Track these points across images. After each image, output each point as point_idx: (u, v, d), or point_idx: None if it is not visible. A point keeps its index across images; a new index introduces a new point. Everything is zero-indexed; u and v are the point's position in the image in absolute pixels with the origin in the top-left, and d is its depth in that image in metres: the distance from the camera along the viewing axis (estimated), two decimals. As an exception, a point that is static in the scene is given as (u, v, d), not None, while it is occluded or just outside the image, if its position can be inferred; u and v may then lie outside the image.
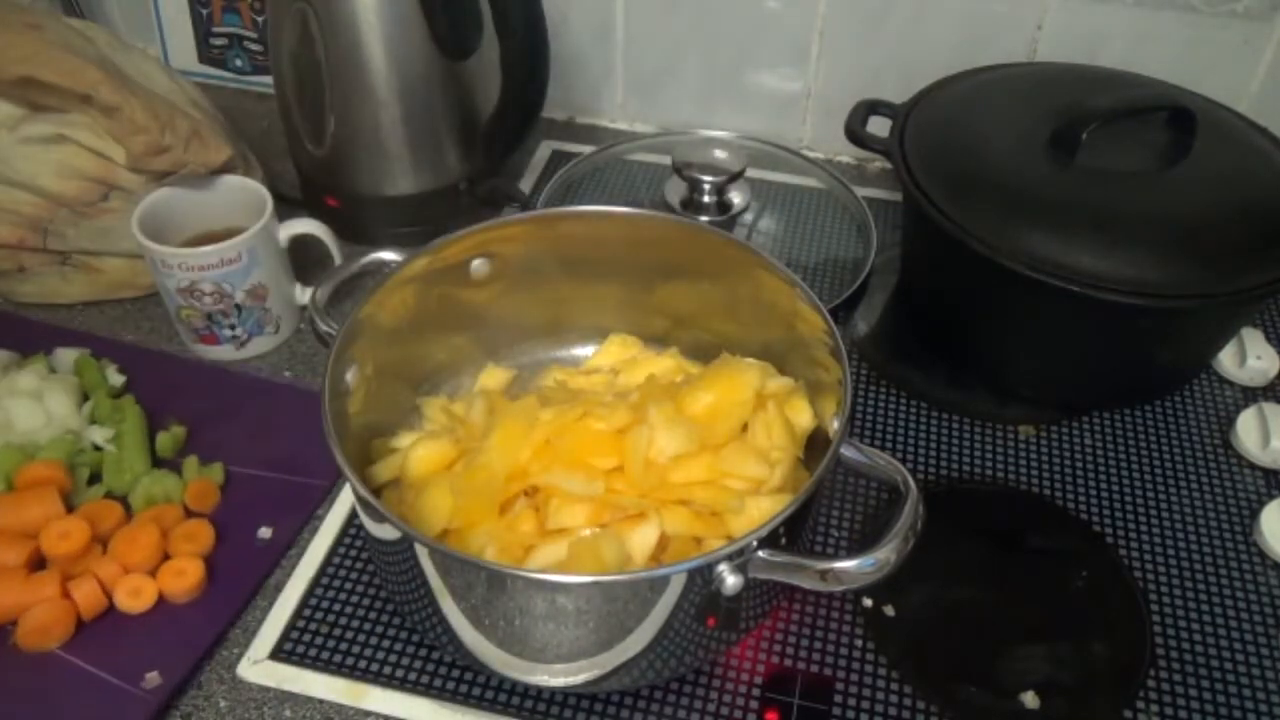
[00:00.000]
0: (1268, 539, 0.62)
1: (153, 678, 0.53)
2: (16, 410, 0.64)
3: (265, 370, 0.73)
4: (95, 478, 0.63)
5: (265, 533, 0.61)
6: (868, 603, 0.59)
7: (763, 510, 0.52)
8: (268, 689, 0.55)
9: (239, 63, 1.02)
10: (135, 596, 0.56)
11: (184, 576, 0.57)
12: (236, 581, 0.58)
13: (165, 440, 0.65)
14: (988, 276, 0.63)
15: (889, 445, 0.69)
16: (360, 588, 0.59)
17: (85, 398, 0.68)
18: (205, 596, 0.57)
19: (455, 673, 0.55)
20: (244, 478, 0.64)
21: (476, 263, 0.63)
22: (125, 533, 0.59)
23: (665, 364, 0.65)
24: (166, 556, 0.58)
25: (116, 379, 0.69)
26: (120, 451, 0.64)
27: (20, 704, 0.52)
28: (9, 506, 0.59)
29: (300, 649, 0.56)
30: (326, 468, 0.63)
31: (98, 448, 0.64)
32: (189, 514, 0.61)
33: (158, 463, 0.65)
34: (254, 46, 1.01)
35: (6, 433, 0.64)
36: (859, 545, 0.61)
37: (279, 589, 0.59)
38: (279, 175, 0.88)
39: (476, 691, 0.55)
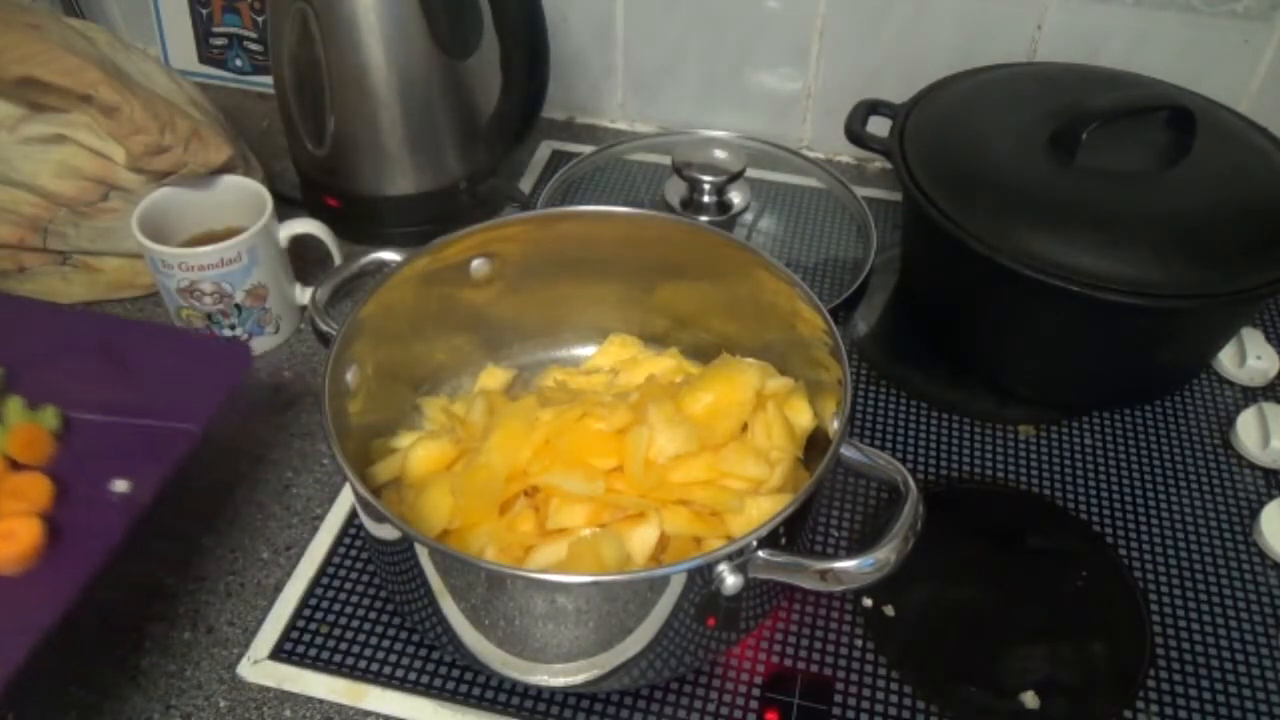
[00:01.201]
0: (1268, 539, 0.62)
1: None
2: None
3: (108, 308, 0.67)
4: None
5: (120, 485, 0.52)
6: (868, 603, 0.59)
7: (763, 510, 0.52)
8: (268, 689, 0.55)
9: (239, 63, 1.02)
10: None
11: (13, 540, 0.47)
12: (86, 545, 0.48)
13: None
14: (988, 276, 0.63)
15: (889, 445, 0.69)
16: (360, 588, 0.59)
17: None
18: (46, 565, 0.48)
19: (455, 673, 0.55)
20: (86, 425, 0.54)
21: (476, 263, 0.63)
22: None
23: (665, 364, 0.65)
24: None
25: None
26: None
27: None
28: None
29: (300, 649, 0.56)
30: (192, 409, 0.55)
31: None
32: (15, 468, 0.52)
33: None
34: (254, 46, 1.01)
35: None
36: (859, 545, 0.61)
37: (279, 589, 0.59)
38: (279, 175, 0.88)
39: (476, 691, 0.55)
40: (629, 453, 0.54)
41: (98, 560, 0.48)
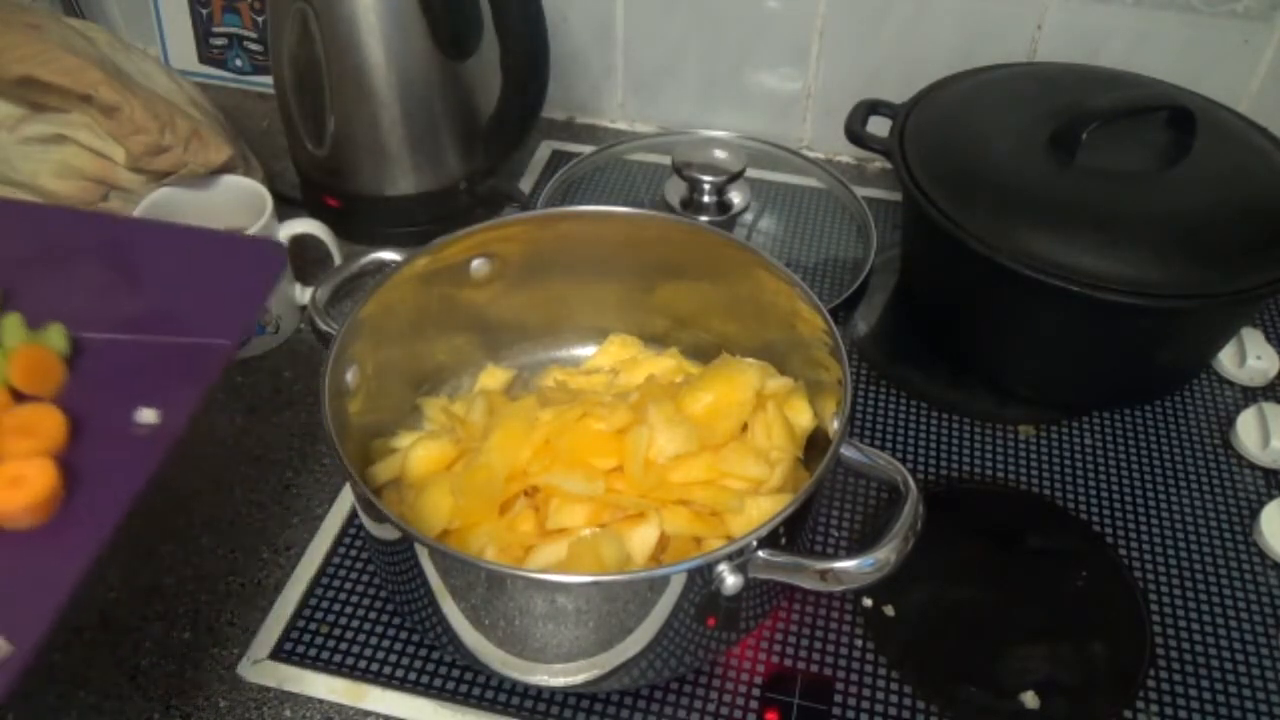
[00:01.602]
0: (1268, 539, 0.62)
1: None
2: None
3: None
4: None
5: (147, 415, 0.44)
6: (868, 603, 0.59)
7: (762, 510, 0.52)
8: (268, 689, 0.55)
9: (239, 63, 1.02)
10: None
11: (23, 487, 0.39)
12: (110, 490, 0.40)
13: None
14: (988, 276, 0.63)
15: (889, 445, 0.69)
16: (360, 588, 0.59)
17: None
18: (65, 515, 0.40)
19: (455, 673, 0.55)
20: (100, 345, 0.46)
21: (476, 263, 0.63)
22: None
23: (665, 364, 0.65)
24: None
25: None
26: None
27: None
28: None
29: (300, 649, 0.56)
30: (223, 320, 0.47)
31: None
32: (19, 399, 0.44)
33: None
34: (254, 46, 1.01)
35: None
36: (859, 545, 0.61)
37: (279, 589, 0.59)
38: (279, 175, 0.88)
39: (476, 691, 0.55)
40: (629, 453, 0.54)
41: (123, 508, 0.40)
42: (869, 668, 0.56)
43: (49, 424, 0.42)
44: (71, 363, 0.45)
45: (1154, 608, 0.59)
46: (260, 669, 0.55)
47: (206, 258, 0.42)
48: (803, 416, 0.59)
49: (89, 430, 0.43)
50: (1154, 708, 0.55)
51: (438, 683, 0.55)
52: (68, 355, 0.45)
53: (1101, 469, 0.67)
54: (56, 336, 0.45)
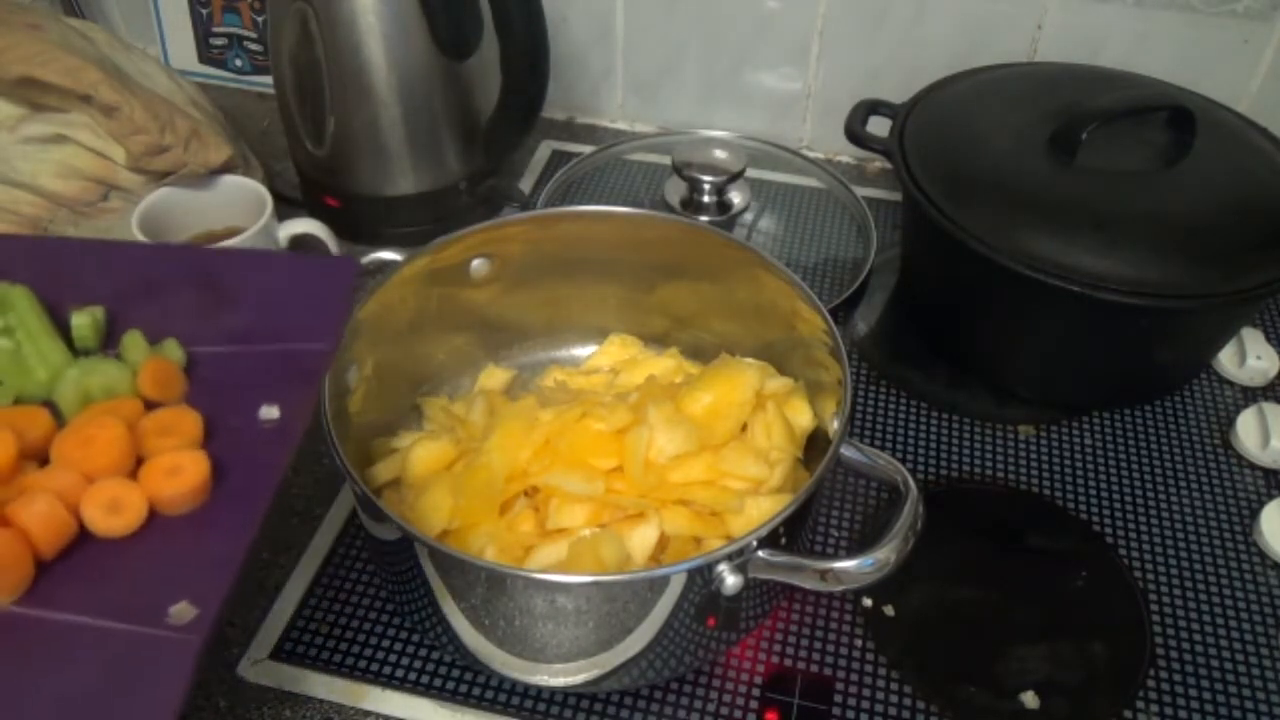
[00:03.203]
0: (1268, 539, 0.62)
1: (182, 610, 0.38)
2: None
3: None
4: None
5: (270, 412, 0.46)
6: (868, 603, 0.59)
7: (762, 510, 0.52)
8: (268, 689, 0.55)
9: (239, 63, 1.02)
10: (115, 511, 0.40)
11: (181, 475, 0.41)
12: (253, 476, 0.44)
13: (83, 322, 0.47)
14: (988, 276, 0.63)
15: (889, 445, 0.69)
16: (360, 588, 0.59)
17: None
18: (216, 501, 0.42)
19: (455, 673, 0.56)
20: (210, 357, 0.48)
21: (476, 263, 0.63)
22: (72, 433, 0.42)
23: (665, 364, 0.65)
24: (139, 462, 0.42)
25: None
26: (20, 345, 0.46)
27: None
28: None
29: (300, 649, 0.56)
30: (317, 328, 0.50)
31: None
32: (151, 408, 0.46)
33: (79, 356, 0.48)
34: (254, 46, 1.01)
35: None
36: (859, 545, 0.61)
37: (279, 589, 0.59)
38: (279, 175, 0.88)
39: (476, 691, 0.55)
40: (629, 453, 0.54)
41: (271, 490, 0.43)
42: (869, 668, 0.56)
43: (186, 423, 0.44)
44: (188, 373, 0.48)
45: (1154, 608, 0.59)
46: (260, 669, 0.55)
47: (284, 276, 0.46)
48: (802, 416, 0.59)
49: (220, 428, 0.45)
50: (1154, 708, 0.55)
51: (438, 683, 0.55)
52: (184, 367, 0.48)
53: (1101, 469, 0.67)
54: (173, 349, 0.48)
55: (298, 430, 0.45)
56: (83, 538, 0.40)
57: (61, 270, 0.51)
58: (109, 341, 0.48)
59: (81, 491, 0.40)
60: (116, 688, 0.36)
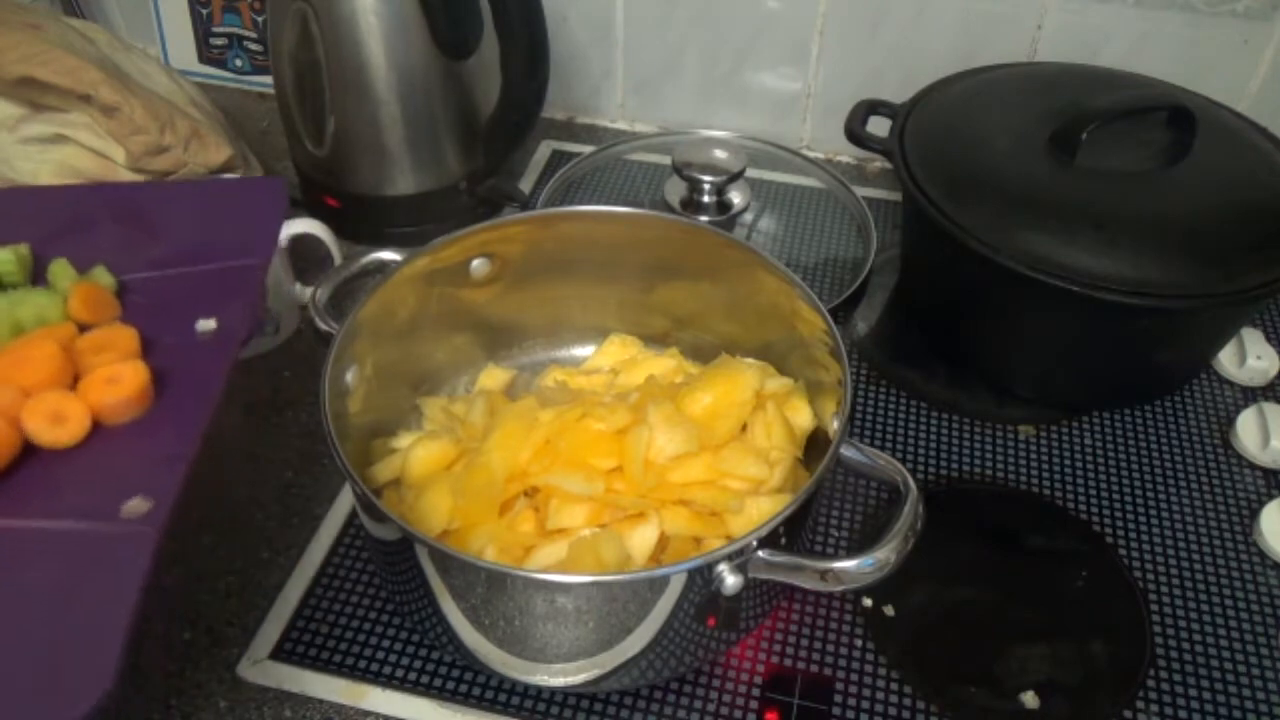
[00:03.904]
0: (1268, 539, 0.62)
1: (135, 505, 0.39)
2: None
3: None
4: None
5: (207, 325, 0.47)
6: (868, 603, 0.59)
7: (762, 510, 0.52)
8: (268, 689, 0.55)
9: (239, 63, 1.02)
10: (58, 422, 0.41)
11: (120, 383, 0.42)
12: (194, 383, 0.44)
13: (6, 258, 0.48)
14: (988, 276, 0.63)
15: (889, 445, 0.69)
16: (360, 588, 0.59)
17: None
18: (159, 409, 0.43)
19: (455, 673, 0.56)
20: (141, 282, 0.49)
21: (476, 263, 0.63)
22: (4, 355, 0.43)
23: (665, 364, 0.65)
24: (77, 379, 0.43)
25: None
26: None
27: None
28: None
29: (300, 649, 0.56)
30: (248, 245, 0.51)
31: None
32: (84, 330, 0.47)
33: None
34: (254, 46, 1.01)
35: None
36: (859, 545, 0.61)
37: (279, 589, 0.59)
38: (279, 175, 0.88)
39: (476, 691, 0.55)
40: (629, 453, 0.54)
41: (215, 392, 0.44)
42: (869, 668, 0.56)
43: (122, 339, 0.45)
44: (120, 299, 0.48)
45: (1154, 608, 0.59)
46: (260, 669, 0.55)
47: (217, 201, 0.47)
48: (802, 417, 0.59)
49: (157, 345, 0.46)
50: (1154, 708, 0.55)
51: (438, 683, 0.55)
52: (116, 292, 0.49)
53: (1101, 469, 0.67)
54: (102, 274, 0.48)
55: (236, 337, 0.46)
56: (28, 451, 0.41)
57: None
58: (37, 278, 0.49)
59: (20, 405, 0.40)
60: (77, 582, 0.36)
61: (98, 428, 0.42)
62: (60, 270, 0.47)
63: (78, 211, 0.53)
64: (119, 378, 0.43)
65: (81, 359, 0.44)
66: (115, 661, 0.33)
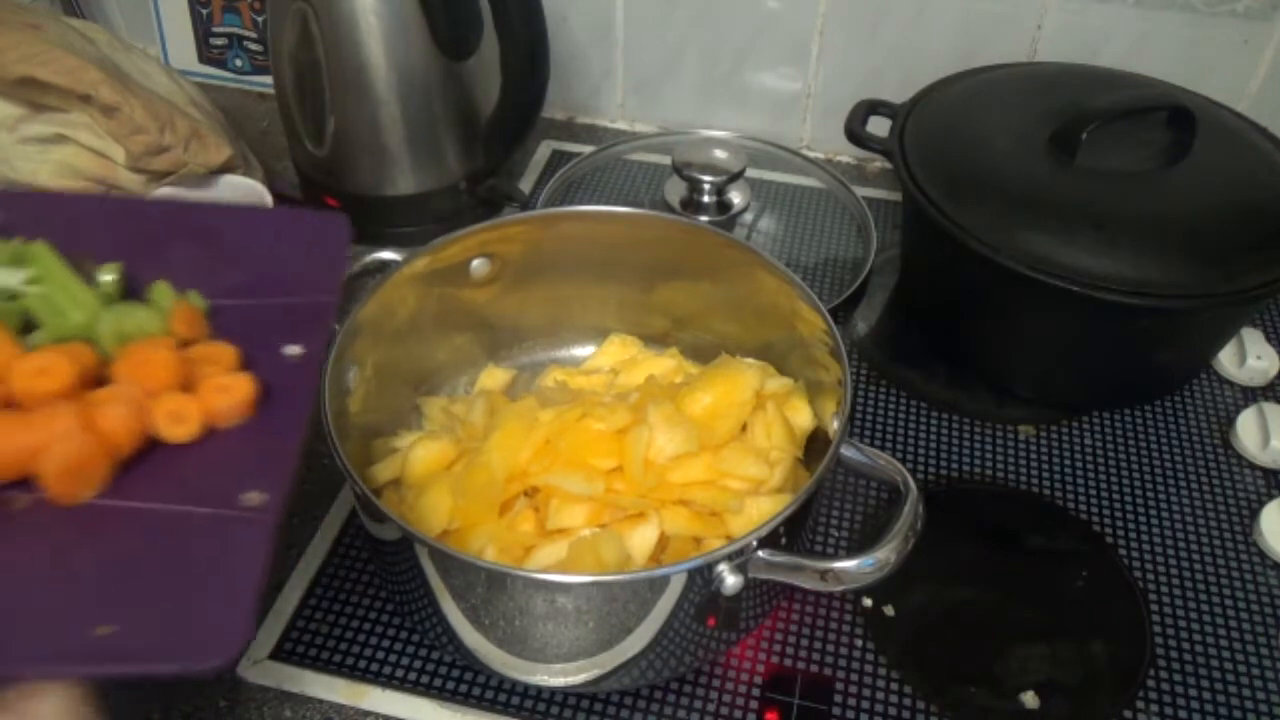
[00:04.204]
0: (1268, 539, 0.62)
1: (251, 496, 0.41)
2: None
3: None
4: (27, 329, 0.48)
5: (293, 349, 0.50)
6: (868, 603, 0.59)
7: (762, 510, 0.52)
8: (268, 689, 0.55)
9: (239, 63, 1.02)
10: (179, 421, 0.44)
11: (231, 391, 0.45)
12: (289, 399, 0.47)
13: (110, 279, 0.50)
14: (988, 276, 0.63)
15: (889, 445, 0.69)
16: (360, 588, 0.59)
17: None
18: (261, 415, 0.46)
19: (455, 673, 0.56)
20: (225, 309, 0.51)
21: (476, 263, 0.62)
22: (128, 357, 0.45)
23: (665, 364, 0.65)
24: (185, 386, 0.46)
25: None
26: (50, 293, 0.48)
27: (92, 566, 0.39)
28: None
29: (300, 649, 0.56)
30: (320, 280, 0.52)
31: (11, 296, 0.48)
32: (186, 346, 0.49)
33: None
34: (254, 46, 1.01)
35: None
36: (859, 545, 0.61)
37: (279, 589, 0.59)
38: (279, 175, 0.88)
39: (476, 691, 0.55)
40: (629, 453, 0.54)
41: (311, 401, 0.47)
42: (869, 668, 0.56)
43: (225, 354, 0.48)
44: (210, 321, 0.51)
45: (1154, 608, 0.59)
46: (260, 669, 0.55)
47: (284, 230, 0.48)
48: (802, 417, 0.59)
49: (251, 362, 0.48)
50: (1154, 708, 0.55)
51: (438, 683, 0.55)
52: (207, 314, 0.51)
53: (1101, 469, 0.67)
54: (196, 298, 0.51)
55: (320, 362, 0.49)
56: (150, 446, 0.44)
57: (70, 226, 0.52)
58: (126, 298, 0.51)
59: (146, 403, 0.44)
60: (202, 563, 0.39)
61: (208, 430, 0.45)
62: (161, 291, 0.50)
63: (155, 228, 0.54)
64: (229, 387, 0.46)
65: (192, 368, 0.47)
66: (252, 617, 0.37)
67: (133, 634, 0.36)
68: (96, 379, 0.45)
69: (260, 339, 0.49)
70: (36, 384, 0.42)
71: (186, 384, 0.46)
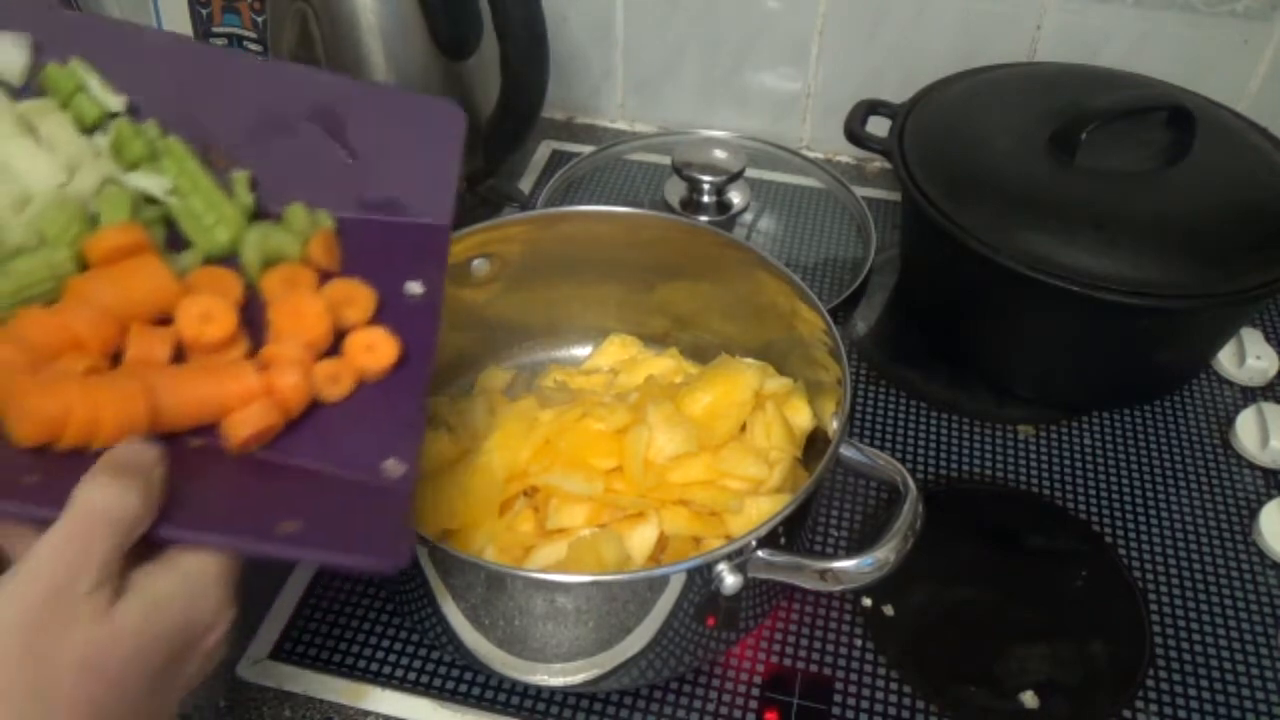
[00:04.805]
0: (1267, 539, 0.62)
1: (392, 465, 0.42)
2: (13, 153, 0.43)
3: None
4: (171, 242, 0.46)
5: (414, 288, 0.48)
6: (867, 603, 0.59)
7: (762, 510, 0.52)
8: (267, 689, 0.55)
9: (239, 63, 1.02)
10: (335, 382, 0.44)
11: (377, 351, 0.45)
12: (415, 350, 0.46)
13: (244, 190, 0.47)
14: (988, 276, 0.63)
15: (889, 445, 0.69)
16: (360, 588, 0.59)
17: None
18: (393, 372, 0.45)
19: (455, 673, 0.56)
20: (346, 224, 0.49)
21: (476, 263, 0.63)
22: (285, 306, 0.45)
23: (665, 364, 0.65)
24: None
25: (105, 96, 0.46)
26: (193, 203, 0.46)
27: (267, 490, 0.41)
28: (106, 285, 0.41)
29: (300, 649, 0.56)
30: (432, 200, 0.50)
31: (150, 200, 0.46)
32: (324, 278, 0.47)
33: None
34: (254, 47, 1.01)
35: (8, 196, 0.43)
36: (858, 545, 0.61)
37: (279, 589, 0.59)
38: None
39: (476, 691, 0.55)
40: (628, 453, 0.54)
41: (431, 361, 0.46)
42: (869, 668, 0.56)
43: (365, 298, 0.46)
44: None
45: (1154, 608, 0.59)
46: (260, 669, 0.55)
47: (400, 122, 0.45)
48: (802, 416, 0.59)
49: (380, 302, 0.47)
50: (1153, 708, 0.55)
51: (438, 683, 0.55)
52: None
53: (1101, 469, 0.67)
54: (325, 219, 0.48)
55: (438, 306, 0.48)
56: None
57: (146, 77, 0.48)
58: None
59: (309, 362, 0.44)
60: (353, 518, 0.40)
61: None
62: (296, 214, 0.48)
63: (277, 104, 0.49)
64: (375, 346, 0.45)
65: (336, 313, 0.46)
66: (410, 551, 0.40)
67: (313, 532, 0.38)
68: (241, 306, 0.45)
69: (384, 270, 0.47)
70: (203, 331, 0.42)
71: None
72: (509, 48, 0.77)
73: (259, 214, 0.48)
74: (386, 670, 0.56)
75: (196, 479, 0.39)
